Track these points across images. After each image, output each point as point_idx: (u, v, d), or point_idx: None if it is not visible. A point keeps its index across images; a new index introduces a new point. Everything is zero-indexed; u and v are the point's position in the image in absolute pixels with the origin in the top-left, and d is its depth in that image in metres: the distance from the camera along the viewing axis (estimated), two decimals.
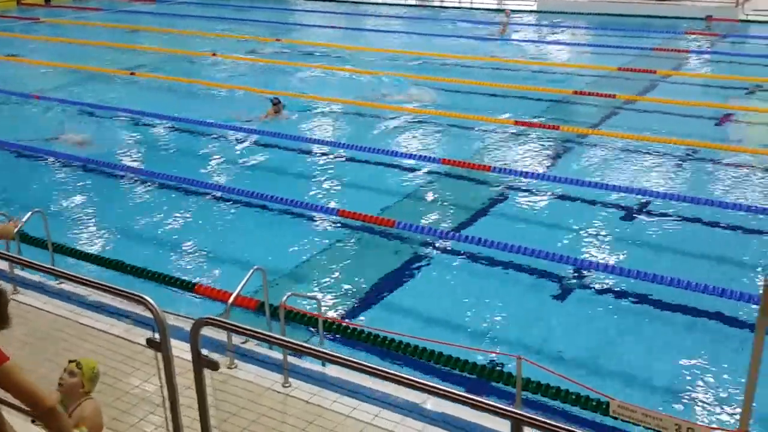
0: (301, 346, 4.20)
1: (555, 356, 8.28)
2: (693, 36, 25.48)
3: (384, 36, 27.18)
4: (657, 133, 15.22)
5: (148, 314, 4.50)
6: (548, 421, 2.90)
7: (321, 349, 4.38)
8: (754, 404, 5.24)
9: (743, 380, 5.43)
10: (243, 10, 33.74)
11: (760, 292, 5.00)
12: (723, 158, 14.12)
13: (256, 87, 19.59)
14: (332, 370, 7.27)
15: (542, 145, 15.12)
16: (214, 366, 4.25)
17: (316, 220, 11.81)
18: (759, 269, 9.97)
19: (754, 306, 8.42)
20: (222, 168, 14.30)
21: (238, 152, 15.08)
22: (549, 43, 25.05)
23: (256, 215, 12.08)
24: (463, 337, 8.65)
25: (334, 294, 9.67)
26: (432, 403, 6.64)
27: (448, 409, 6.50)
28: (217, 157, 14.86)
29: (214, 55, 23.59)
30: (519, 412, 3.01)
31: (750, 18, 28.23)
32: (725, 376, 7.83)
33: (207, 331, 6.56)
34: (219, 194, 12.79)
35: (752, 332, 5.22)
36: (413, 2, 35.03)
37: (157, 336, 4.43)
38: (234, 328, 4.36)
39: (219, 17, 31.24)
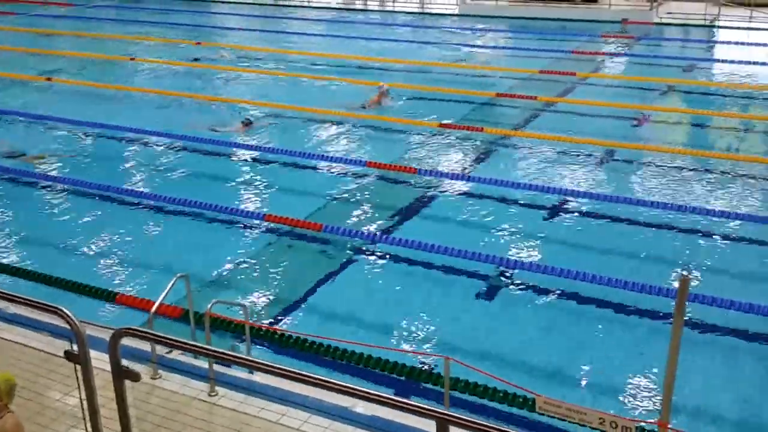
0: (226, 354, 4.11)
1: (482, 355, 8.37)
2: (610, 39, 26.20)
3: (307, 39, 27.06)
4: (577, 134, 15.58)
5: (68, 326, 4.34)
6: (472, 420, 2.91)
7: (246, 357, 4.31)
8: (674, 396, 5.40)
9: (664, 372, 5.59)
10: (162, 13, 33.07)
11: (677, 286, 5.16)
12: (640, 158, 14.56)
13: (175, 90, 19.25)
14: (260, 377, 7.17)
15: (467, 146, 15.30)
16: (134, 377, 4.12)
17: (242, 226, 11.65)
18: (675, 264, 10.30)
19: (672, 300, 8.69)
20: (144, 174, 13.97)
21: (161, 158, 14.76)
22: (471, 46, 25.36)
23: (180, 222, 11.85)
24: (393, 338, 8.67)
25: (261, 300, 9.56)
26: (362, 407, 6.62)
27: (378, 411, 6.49)
28: (138, 163, 14.52)
29: (132, 59, 23.06)
30: (443, 411, 3.01)
31: (664, 21, 29.20)
32: (647, 369, 8.05)
33: (131, 342, 6.46)
34: (141, 201, 12.51)
35: (670, 325, 5.38)
36: (336, 5, 34.97)
37: (75, 348, 4.28)
38: (155, 337, 4.24)
39: (137, 21, 30.54)
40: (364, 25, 30.29)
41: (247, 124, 16.48)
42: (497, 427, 2.85)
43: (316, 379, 3.73)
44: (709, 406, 7.51)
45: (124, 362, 4.24)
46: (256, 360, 4.09)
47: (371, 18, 32.28)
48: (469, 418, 2.91)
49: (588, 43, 25.55)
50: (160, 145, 15.34)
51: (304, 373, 3.80)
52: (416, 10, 33.75)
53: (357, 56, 23.15)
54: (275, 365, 3.92)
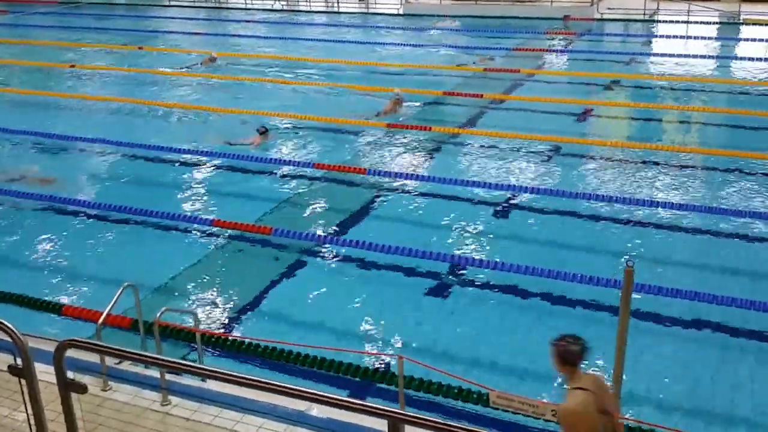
0: (177, 363, 4.06)
1: (437, 352, 8.42)
2: (552, 35, 26.58)
3: (250, 41, 26.87)
4: (523, 131, 15.75)
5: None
6: (423, 417, 2.93)
7: (198, 365, 4.26)
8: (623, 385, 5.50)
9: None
10: (103, 18, 32.52)
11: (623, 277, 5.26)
12: (585, 152, 14.81)
13: (118, 97, 18.95)
14: (213, 385, 7.08)
15: (415, 146, 15.35)
16: (81, 389, 4.04)
17: (190, 232, 11.51)
18: (622, 255, 10.48)
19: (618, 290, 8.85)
20: (87, 183, 13.71)
21: (104, 166, 14.51)
22: (417, 45, 25.48)
23: (127, 231, 11.65)
24: (347, 340, 8.66)
25: (212, 307, 9.45)
26: (318, 410, 6.59)
27: (333, 414, 6.47)
28: (81, 171, 14.23)
29: (72, 66, 22.60)
30: (394, 410, 3.02)
31: (605, 17, 29.74)
32: (599, 361, 8.16)
33: (81, 354, 6.33)
34: (84, 211, 12.26)
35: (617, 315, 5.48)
36: (280, 7, 34.79)
37: (19, 362, 4.19)
38: (99, 348, 4.16)
39: (78, 27, 29.95)
40: (308, 27, 30.24)
41: (263, 132, 15.47)
42: (447, 423, 2.88)
43: (268, 384, 3.71)
44: (658, 394, 7.66)
45: (72, 375, 4.17)
46: (208, 368, 4.04)
47: (315, 20, 32.21)
48: (420, 416, 2.93)
49: (531, 40, 25.87)
50: (103, 153, 15.06)
51: (256, 378, 3.78)
52: (360, 10, 33.80)
53: (303, 58, 23.07)
54: (228, 372, 3.88)
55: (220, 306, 9.48)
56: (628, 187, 12.90)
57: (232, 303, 9.54)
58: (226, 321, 9.15)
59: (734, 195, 12.46)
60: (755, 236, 10.95)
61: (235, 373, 3.83)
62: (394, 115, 16.95)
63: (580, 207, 12.06)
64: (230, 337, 8.49)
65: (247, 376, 3.79)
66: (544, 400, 5.87)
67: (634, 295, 9.12)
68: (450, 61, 22.93)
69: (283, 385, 3.70)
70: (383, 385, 7.75)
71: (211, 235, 11.38)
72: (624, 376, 5.82)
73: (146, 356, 4.06)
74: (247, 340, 8.32)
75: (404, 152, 14.99)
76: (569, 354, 4.88)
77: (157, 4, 36.02)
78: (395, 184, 13.28)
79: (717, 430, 7.02)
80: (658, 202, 12.04)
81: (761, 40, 25.55)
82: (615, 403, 5.16)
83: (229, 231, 11.35)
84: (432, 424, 2.87)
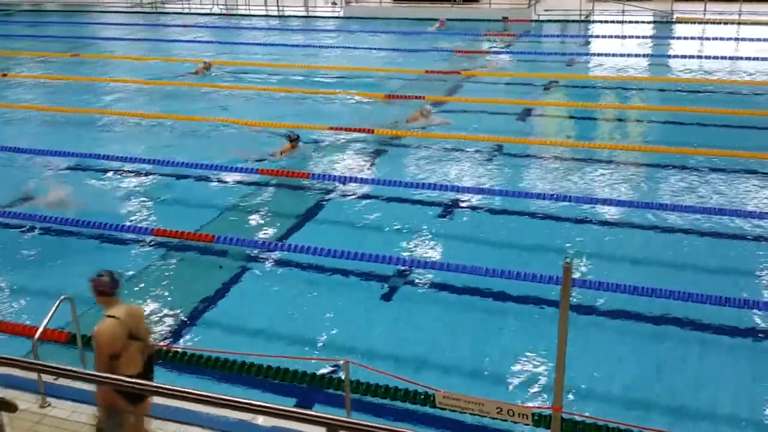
0: (110, 379, 3.95)
1: (385, 355, 8.39)
2: (492, 37, 26.86)
3: (188, 46, 26.54)
4: (465, 131, 15.88)
5: None
6: (360, 423, 2.90)
7: (136, 381, 4.14)
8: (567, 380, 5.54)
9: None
10: (37, 26, 31.73)
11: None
12: (526, 151, 14.98)
13: (50, 105, 18.50)
14: (155, 398, 6.93)
15: (359, 149, 15.33)
16: (11, 408, 3.90)
17: (129, 243, 11.27)
18: (565, 252, 10.63)
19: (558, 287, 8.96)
20: (22, 194, 13.30)
21: (39, 177, 14.11)
22: (358, 48, 25.49)
23: (64, 243, 11.34)
24: (294, 347, 8.58)
25: (155, 317, 9.25)
26: (263, 419, 6.50)
27: (279, 422, 6.38)
28: (13, 182, 13.81)
29: (4, 75, 21.98)
30: (331, 417, 2.98)
31: (542, 18, 30.21)
32: (545, 357, 8.25)
33: (16, 372, 6.13)
34: (22, 223, 11.89)
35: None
36: (218, 11, 34.44)
37: None
38: (28, 365, 4.02)
39: (10, 35, 29.18)
40: (248, 30, 30.00)
41: (294, 139, 14.73)
42: (384, 427, 2.85)
43: (208, 397, 3.64)
44: (600, 387, 7.77)
45: (4, 392, 4.03)
46: (147, 383, 3.94)
47: (255, 23, 31.97)
48: (357, 421, 2.90)
49: (471, 41, 26.11)
50: (37, 163, 14.63)
51: (197, 392, 3.70)
52: (301, 13, 33.67)
53: (243, 62, 22.86)
54: (168, 387, 3.80)
55: (162, 317, 9.29)
56: (568, 184, 13.09)
57: (175, 313, 9.36)
58: (169, 332, 8.96)
59: (672, 190, 12.73)
60: (694, 230, 11.20)
61: (177, 388, 3.75)
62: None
63: (523, 205, 12.19)
64: (173, 349, 8.32)
65: (189, 390, 3.71)
66: (491, 399, 5.88)
67: (578, 290, 9.31)
68: (391, 63, 22.97)
69: (225, 397, 3.64)
70: (332, 391, 7.70)
71: (152, 244, 11.16)
72: (567, 370, 5.86)
73: (74, 372, 3.93)
74: (190, 351, 8.17)
75: (348, 155, 14.93)
76: (102, 285, 5.82)
77: (92, 10, 35.32)
78: (340, 188, 13.22)
79: (659, 419, 7.13)
80: (597, 199, 12.24)
81: (693, 38, 26.28)
82: (148, 330, 6.24)
83: (170, 240, 11.14)
84: (368, 428, 2.84)
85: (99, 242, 11.32)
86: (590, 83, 20.66)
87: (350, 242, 10.85)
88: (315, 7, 34.46)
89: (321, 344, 8.67)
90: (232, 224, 11.90)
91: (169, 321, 9.19)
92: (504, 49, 25.11)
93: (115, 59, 24.32)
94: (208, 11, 34.41)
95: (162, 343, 8.58)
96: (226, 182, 13.59)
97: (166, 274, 10.43)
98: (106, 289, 5.84)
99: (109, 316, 5.75)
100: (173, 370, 8.03)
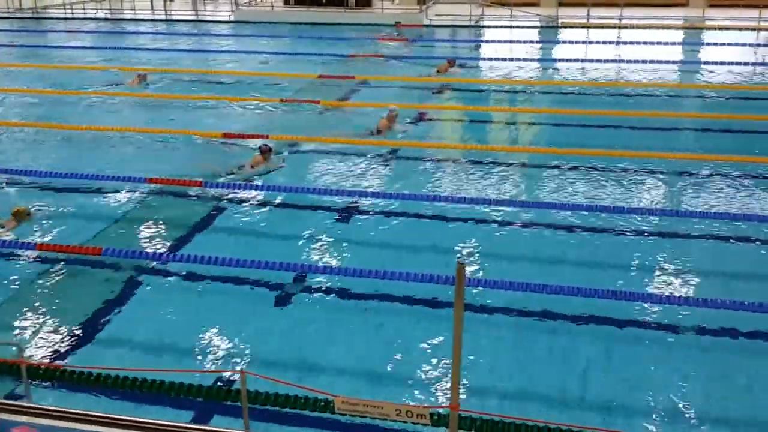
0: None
1: (285, 363, 8.30)
2: (385, 42, 27.07)
3: (73, 52, 25.56)
4: (361, 136, 15.91)
5: None
6: None
7: (18, 404, 3.92)
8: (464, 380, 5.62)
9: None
10: None
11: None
12: (421, 154, 15.16)
13: None
14: (42, 420, 6.59)
15: (252, 155, 15.06)
16: None
17: (10, 259, 10.71)
18: (460, 253, 10.81)
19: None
20: None
21: None
22: (250, 53, 25.18)
23: None
24: (190, 359, 8.36)
25: (39, 336, 8.82)
26: None
27: None
28: None
29: None
30: (214, 430, 2.89)
31: (433, 23, 30.68)
32: (439, 356, 8.34)
33: None
34: None
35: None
36: (103, 16, 33.33)
37: None
38: None
39: None
40: (134, 36, 29.19)
41: (266, 152, 14.07)
42: None
43: (92, 417, 3.48)
44: (496, 384, 7.92)
45: None
46: (27, 405, 3.73)
47: (141, 27, 31.12)
48: None
49: (364, 46, 26.23)
50: None
51: (84, 412, 3.54)
52: (191, 17, 33.03)
53: (131, 68, 22.18)
54: (52, 408, 3.61)
55: (47, 333, 8.87)
56: (463, 186, 13.34)
57: (61, 330, 8.95)
58: (56, 350, 8.56)
59: (557, 190, 13.15)
60: (579, 226, 11.61)
61: (63, 409, 3.57)
62: (389, 132, 15.91)
63: (418, 208, 12.30)
64: (60, 367, 7.95)
65: (73, 411, 3.54)
66: (389, 401, 5.89)
67: (473, 290, 9.48)
68: (287, 68, 22.81)
69: (112, 416, 3.49)
70: (230, 403, 7.53)
71: (35, 259, 10.65)
72: (463, 369, 5.95)
73: None
74: (78, 369, 7.82)
75: (241, 162, 14.67)
76: None
77: None
78: (234, 195, 13.00)
79: (555, 413, 7.33)
80: (490, 200, 12.50)
81: (577, 42, 27.33)
82: None
83: (56, 254, 10.65)
84: None
85: None
86: (480, 87, 21.13)
87: (244, 250, 10.68)
88: (204, 10, 33.84)
89: (217, 355, 8.48)
90: (121, 236, 11.50)
91: (55, 338, 8.79)
92: (397, 54, 25.33)
93: None
94: (92, 16, 33.24)
95: (48, 362, 8.20)
96: (113, 193, 13.10)
97: (52, 290, 9.96)
98: None
99: None
100: (61, 389, 7.68)
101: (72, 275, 10.37)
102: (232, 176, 13.78)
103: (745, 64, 22.64)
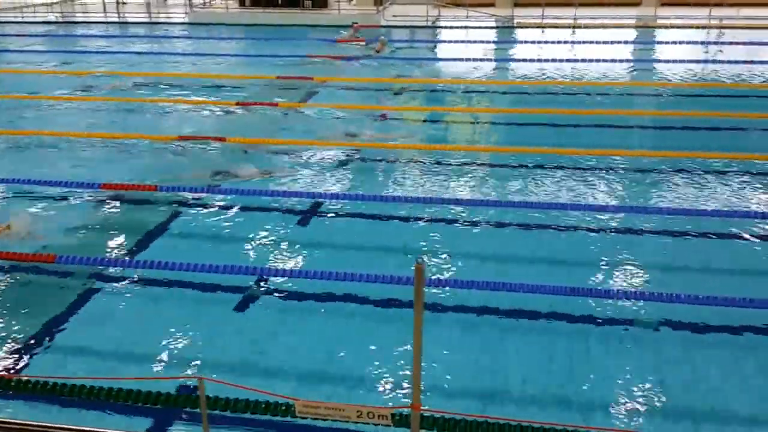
0: None
1: (246, 368, 8.20)
2: (343, 43, 27.01)
3: (25, 56, 25.05)
4: (322, 137, 15.84)
5: None
6: None
7: None
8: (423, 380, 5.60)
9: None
10: None
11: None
12: (382, 155, 15.14)
13: None
14: None
15: (210, 158, 14.93)
16: None
17: None
18: (421, 252, 10.81)
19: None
20: None
21: None
22: (205, 55, 24.93)
23: None
24: (148, 366, 8.21)
25: None
26: None
27: None
28: None
29: None
30: None
31: (390, 23, 30.72)
32: (400, 357, 8.32)
33: None
34: None
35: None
36: (54, 19, 32.72)
37: None
38: None
39: None
40: (85, 38, 28.71)
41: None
42: None
43: (50, 428, 3.38)
44: (457, 381, 7.92)
45: None
46: None
47: (92, 30, 30.62)
48: None
49: (322, 47, 26.14)
50: None
51: (41, 424, 3.43)
52: (144, 19, 32.60)
53: (81, 71, 21.82)
54: (8, 420, 3.50)
55: (1, 345, 8.64)
56: (425, 185, 13.35)
57: (14, 341, 8.73)
58: (9, 360, 8.34)
59: (519, 188, 13.24)
60: (542, 225, 11.69)
61: (19, 421, 3.46)
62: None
63: (380, 208, 12.28)
64: (14, 378, 7.75)
65: (31, 423, 3.43)
66: (350, 403, 5.85)
67: (434, 290, 9.48)
68: (244, 70, 22.63)
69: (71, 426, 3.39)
70: (189, 409, 7.42)
71: None
72: (423, 369, 5.94)
73: None
74: (34, 379, 7.63)
75: (198, 165, 14.50)
76: None
77: None
78: (190, 199, 12.83)
79: (518, 410, 7.36)
80: (451, 199, 12.53)
81: (533, 42, 27.58)
82: None
83: (4, 262, 10.39)
84: None
85: None
86: (438, 87, 21.19)
87: (203, 254, 10.55)
88: (158, 13, 33.42)
89: (175, 362, 8.34)
90: (74, 243, 11.25)
91: (7, 348, 8.56)
92: (355, 55, 25.29)
93: None
94: (43, 20, 32.62)
95: (2, 372, 7.99)
96: (61, 199, 12.83)
97: (2, 300, 9.71)
98: None
99: None
100: (16, 399, 7.49)
101: (24, 284, 10.13)
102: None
103: (697, 61, 23.08)
